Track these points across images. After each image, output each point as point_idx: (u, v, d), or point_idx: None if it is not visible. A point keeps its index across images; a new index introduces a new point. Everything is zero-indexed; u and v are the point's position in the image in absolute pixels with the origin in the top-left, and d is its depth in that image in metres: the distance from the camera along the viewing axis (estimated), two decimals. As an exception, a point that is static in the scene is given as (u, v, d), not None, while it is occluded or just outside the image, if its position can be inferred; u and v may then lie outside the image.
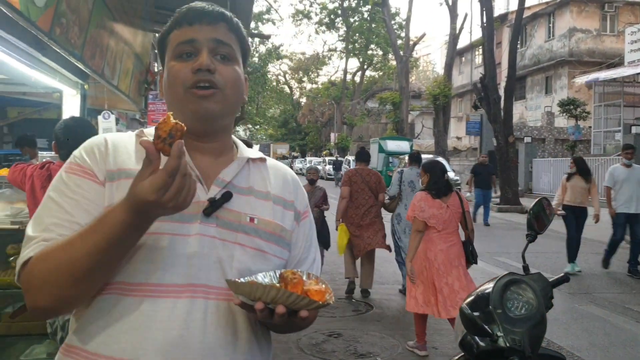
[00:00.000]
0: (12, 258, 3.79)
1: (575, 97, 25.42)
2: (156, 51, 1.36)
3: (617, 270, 8.39)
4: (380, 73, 49.02)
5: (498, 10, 32.02)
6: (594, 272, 8.39)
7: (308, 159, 45.45)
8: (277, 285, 1.08)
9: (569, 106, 23.32)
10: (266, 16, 32.73)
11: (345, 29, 44.09)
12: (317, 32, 54.14)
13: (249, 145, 1.48)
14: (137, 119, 14.14)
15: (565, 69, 29.69)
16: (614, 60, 26.38)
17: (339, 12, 43.17)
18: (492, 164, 15.19)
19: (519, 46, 23.02)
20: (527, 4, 21.11)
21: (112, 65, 5.83)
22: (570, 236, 8.28)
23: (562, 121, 27.34)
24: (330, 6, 43.38)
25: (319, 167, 12.41)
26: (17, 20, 3.13)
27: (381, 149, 25.94)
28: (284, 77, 58.91)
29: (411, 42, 31.98)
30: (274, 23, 51.47)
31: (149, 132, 1.19)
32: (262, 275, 1.13)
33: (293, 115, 62.00)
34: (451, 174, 20.59)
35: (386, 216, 6.99)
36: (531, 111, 32.71)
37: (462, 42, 33.87)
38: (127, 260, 1.08)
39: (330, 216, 7.18)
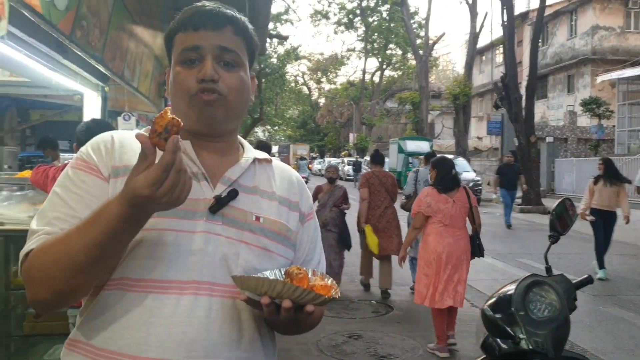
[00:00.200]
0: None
1: (598, 95, 25.05)
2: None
3: (643, 272, 8.24)
4: (400, 73, 48.75)
5: (519, 8, 31.81)
6: (618, 274, 8.24)
7: (327, 159, 45.33)
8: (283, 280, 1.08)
9: (592, 105, 22.98)
10: (284, 17, 32.76)
11: (364, 28, 43.88)
12: (335, 32, 54.26)
13: (268, 147, 1.49)
14: (158, 121, 14.26)
15: (588, 67, 29.25)
16: (639, 58, 25.91)
17: (358, 11, 43.02)
18: (516, 164, 15.11)
19: (540, 44, 22.70)
20: (548, 2, 20.88)
21: (132, 68, 5.89)
22: (598, 241, 8.01)
23: (584, 120, 26.98)
24: (349, 6, 43.26)
25: (339, 167, 12.44)
26: (39, 24, 3.17)
27: (401, 150, 25.86)
28: (303, 77, 58.89)
29: (430, 42, 31.79)
30: (292, 23, 51.69)
31: None
32: (268, 273, 1.13)
33: (312, 116, 61.93)
34: (472, 175, 20.42)
35: (402, 216, 6.97)
36: (553, 110, 32.32)
37: (483, 41, 33.60)
38: (132, 256, 1.08)
39: (349, 217, 7.17)
